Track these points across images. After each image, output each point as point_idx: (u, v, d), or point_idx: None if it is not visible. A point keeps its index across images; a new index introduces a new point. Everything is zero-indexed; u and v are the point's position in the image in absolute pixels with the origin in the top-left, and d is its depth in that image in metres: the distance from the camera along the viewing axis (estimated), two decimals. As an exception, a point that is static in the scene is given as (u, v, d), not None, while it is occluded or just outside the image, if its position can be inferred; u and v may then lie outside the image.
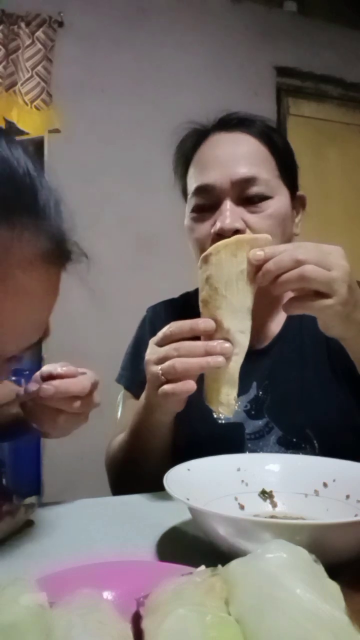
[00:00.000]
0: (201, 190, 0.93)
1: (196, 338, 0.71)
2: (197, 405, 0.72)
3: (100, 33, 2.70)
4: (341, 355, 0.82)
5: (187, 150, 1.00)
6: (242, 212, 0.90)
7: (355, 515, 0.62)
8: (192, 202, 0.95)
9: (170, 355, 0.72)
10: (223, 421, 0.70)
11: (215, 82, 2.81)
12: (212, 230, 0.90)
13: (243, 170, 0.90)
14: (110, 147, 2.66)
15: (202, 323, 0.70)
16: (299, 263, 0.65)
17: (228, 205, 0.90)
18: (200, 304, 0.71)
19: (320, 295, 0.67)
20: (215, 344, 0.69)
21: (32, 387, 0.75)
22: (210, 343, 0.69)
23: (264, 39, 3.04)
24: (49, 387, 0.72)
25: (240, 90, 2.87)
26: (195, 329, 0.71)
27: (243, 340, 0.70)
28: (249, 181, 0.90)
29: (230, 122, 0.97)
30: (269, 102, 3.07)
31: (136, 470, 0.92)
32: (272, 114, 3.08)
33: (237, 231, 0.87)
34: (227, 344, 0.69)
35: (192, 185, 0.96)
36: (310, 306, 0.68)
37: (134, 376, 1.06)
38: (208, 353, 0.69)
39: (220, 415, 0.69)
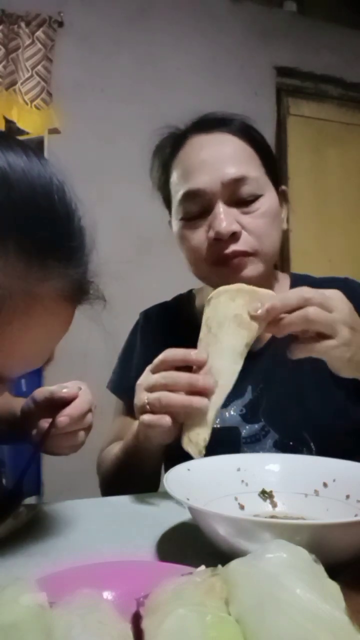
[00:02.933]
0: (190, 195, 0.90)
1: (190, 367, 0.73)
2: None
3: (100, 33, 2.70)
4: None
5: (166, 157, 0.97)
6: (236, 213, 0.89)
7: (355, 515, 0.62)
8: (180, 209, 0.93)
9: (158, 383, 0.73)
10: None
11: (215, 82, 2.81)
12: (209, 236, 0.89)
13: (232, 171, 0.88)
14: (110, 147, 2.66)
15: (195, 354, 0.72)
16: (305, 301, 0.68)
17: (221, 208, 0.88)
18: (198, 343, 0.74)
19: (323, 337, 0.69)
20: (200, 377, 0.70)
21: (43, 424, 0.75)
22: (194, 376, 0.71)
23: (264, 39, 3.04)
24: (64, 418, 0.74)
25: (240, 90, 2.87)
26: (187, 359, 0.73)
27: (225, 383, 0.71)
28: (239, 181, 0.88)
29: (208, 123, 0.95)
30: (269, 102, 3.07)
31: (127, 482, 0.92)
32: (272, 114, 3.08)
33: (234, 234, 0.87)
34: (211, 380, 0.70)
35: (178, 192, 0.92)
36: (313, 348, 0.70)
37: (122, 382, 1.07)
38: (191, 385, 0.70)
39: (187, 450, 0.71)
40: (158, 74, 2.79)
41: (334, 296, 0.72)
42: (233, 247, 0.88)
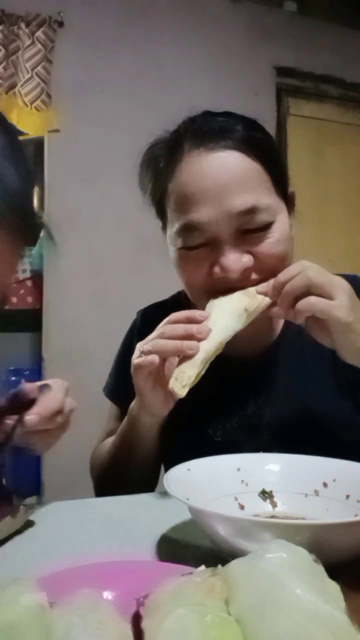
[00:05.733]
0: (191, 229, 0.79)
1: None
2: (189, 427, 0.72)
3: (100, 33, 2.70)
4: (347, 367, 0.77)
5: (160, 170, 0.85)
6: (246, 245, 0.79)
7: (355, 515, 0.62)
8: (178, 240, 0.82)
9: (154, 335, 0.76)
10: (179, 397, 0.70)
11: (215, 82, 2.81)
12: (215, 271, 0.80)
13: (240, 202, 0.77)
14: (110, 147, 2.66)
15: (199, 313, 0.75)
16: (303, 267, 0.72)
17: (229, 244, 0.78)
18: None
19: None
20: (195, 325, 0.73)
21: (9, 421, 0.75)
22: (189, 325, 0.74)
23: (264, 39, 3.04)
24: (33, 417, 0.74)
25: (240, 90, 2.87)
26: (191, 317, 0.75)
27: (218, 332, 0.74)
28: (249, 212, 0.78)
29: (209, 133, 0.81)
30: (269, 102, 3.07)
31: (120, 476, 0.91)
32: (272, 114, 3.08)
33: (245, 269, 0.79)
34: (205, 327, 0.73)
35: (176, 221, 0.81)
36: (316, 303, 0.70)
37: (118, 387, 1.04)
38: (186, 332, 0.73)
39: (172, 388, 0.70)
40: (158, 74, 2.79)
41: (335, 275, 0.74)
42: (242, 283, 0.79)
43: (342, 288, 0.72)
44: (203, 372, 0.71)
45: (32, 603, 0.39)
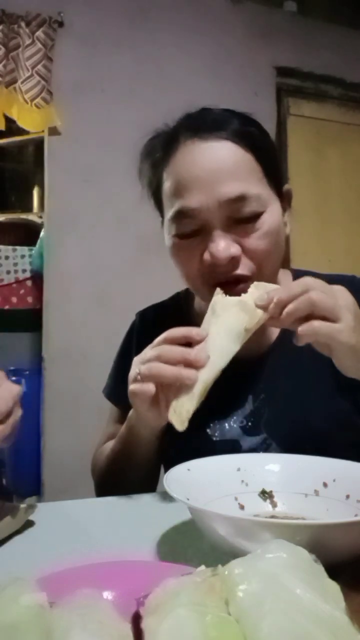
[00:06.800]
0: (183, 215, 0.82)
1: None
2: (188, 427, 0.71)
3: (100, 33, 2.70)
4: None
5: (157, 161, 0.89)
6: (235, 234, 0.81)
7: (355, 515, 0.62)
8: (172, 227, 0.85)
9: (151, 355, 0.73)
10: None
11: (215, 82, 2.81)
12: (205, 258, 0.82)
13: (230, 189, 0.80)
14: (110, 147, 2.66)
15: (196, 331, 0.71)
16: (308, 287, 0.67)
17: (219, 231, 0.81)
18: (202, 325, 0.73)
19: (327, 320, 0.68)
20: (192, 351, 0.69)
21: None
22: (187, 349, 0.70)
23: (264, 39, 3.04)
24: None
25: (240, 90, 2.87)
26: (188, 336, 0.72)
27: (217, 359, 0.70)
28: (238, 200, 0.80)
29: (204, 125, 0.84)
30: (269, 102, 3.07)
31: (120, 480, 0.91)
32: (272, 114, 3.08)
33: (232, 258, 0.81)
34: (203, 354, 0.69)
35: (170, 208, 0.84)
36: (320, 328, 0.67)
37: (117, 388, 1.04)
38: (183, 357, 0.69)
39: (170, 420, 0.69)
40: (158, 74, 2.78)
41: (338, 288, 0.71)
42: (232, 273, 0.82)
43: (346, 307, 0.69)
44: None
45: (32, 603, 0.39)
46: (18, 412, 0.73)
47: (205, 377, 0.68)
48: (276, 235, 0.84)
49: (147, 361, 0.73)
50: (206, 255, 0.82)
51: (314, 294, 0.67)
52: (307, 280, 0.69)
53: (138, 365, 0.75)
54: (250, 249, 0.82)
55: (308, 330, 0.68)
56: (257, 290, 0.71)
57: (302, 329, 0.68)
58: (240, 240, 0.82)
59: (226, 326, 0.71)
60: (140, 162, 0.93)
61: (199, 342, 0.71)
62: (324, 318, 0.67)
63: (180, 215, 0.83)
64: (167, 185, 0.86)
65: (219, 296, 0.74)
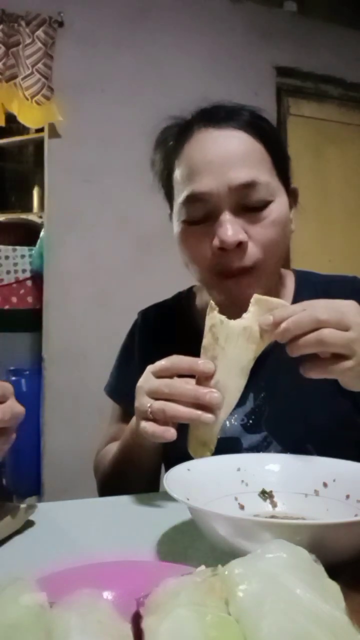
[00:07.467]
0: (194, 199, 0.83)
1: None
2: (188, 425, 0.71)
3: (100, 33, 2.70)
4: None
5: (170, 149, 0.90)
6: (243, 221, 0.82)
7: (355, 515, 0.62)
8: (182, 212, 0.86)
9: (161, 391, 0.70)
10: None
11: (215, 82, 2.81)
12: (214, 244, 0.82)
13: (241, 175, 0.81)
14: (110, 147, 2.66)
15: (202, 364, 0.68)
16: (319, 323, 0.64)
17: (227, 216, 0.82)
18: (202, 350, 0.70)
19: (339, 357, 0.65)
20: (206, 391, 0.67)
21: None
22: (200, 389, 0.67)
23: (264, 39, 3.04)
24: None
25: (240, 90, 2.86)
26: (194, 369, 0.69)
27: (230, 398, 0.69)
28: (248, 187, 0.81)
29: (218, 115, 0.87)
30: (269, 102, 3.06)
31: (123, 483, 0.91)
32: (272, 114, 3.07)
33: (240, 244, 0.81)
34: (217, 395, 0.67)
35: (181, 192, 0.86)
36: (330, 370, 0.66)
37: (119, 386, 1.05)
38: (197, 399, 0.67)
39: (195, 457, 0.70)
40: (158, 74, 2.78)
41: (349, 310, 0.66)
42: (238, 263, 0.82)
43: (359, 338, 0.66)
44: None
45: (32, 603, 0.39)
46: (18, 411, 0.71)
47: (221, 419, 0.69)
48: (283, 225, 0.85)
49: (155, 394, 0.71)
50: (215, 241, 0.82)
51: (327, 333, 0.63)
52: (317, 313, 0.64)
53: (145, 396, 0.72)
54: (257, 237, 0.83)
55: (317, 371, 0.67)
56: (258, 309, 0.68)
57: (311, 370, 0.67)
58: (247, 227, 0.83)
59: (235, 362, 0.68)
60: (152, 152, 0.94)
61: (204, 376, 0.68)
62: (336, 354, 0.65)
63: (191, 200, 0.84)
64: (178, 171, 0.88)
65: (217, 318, 0.69)
